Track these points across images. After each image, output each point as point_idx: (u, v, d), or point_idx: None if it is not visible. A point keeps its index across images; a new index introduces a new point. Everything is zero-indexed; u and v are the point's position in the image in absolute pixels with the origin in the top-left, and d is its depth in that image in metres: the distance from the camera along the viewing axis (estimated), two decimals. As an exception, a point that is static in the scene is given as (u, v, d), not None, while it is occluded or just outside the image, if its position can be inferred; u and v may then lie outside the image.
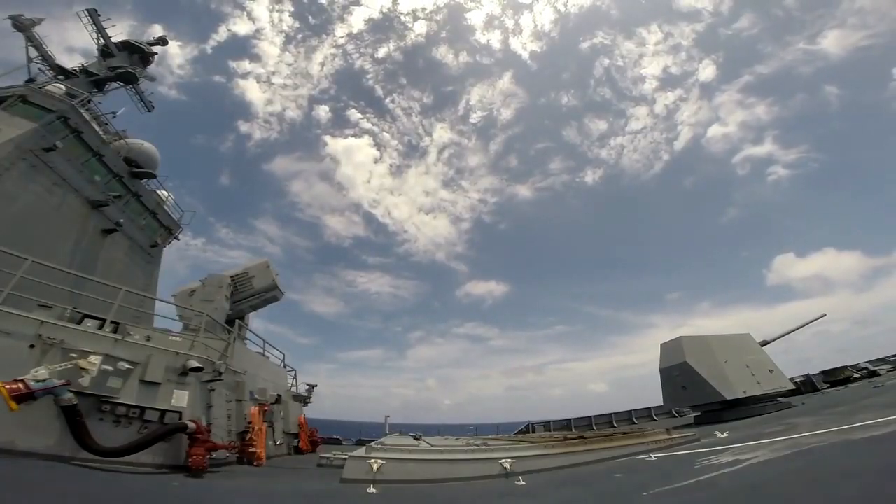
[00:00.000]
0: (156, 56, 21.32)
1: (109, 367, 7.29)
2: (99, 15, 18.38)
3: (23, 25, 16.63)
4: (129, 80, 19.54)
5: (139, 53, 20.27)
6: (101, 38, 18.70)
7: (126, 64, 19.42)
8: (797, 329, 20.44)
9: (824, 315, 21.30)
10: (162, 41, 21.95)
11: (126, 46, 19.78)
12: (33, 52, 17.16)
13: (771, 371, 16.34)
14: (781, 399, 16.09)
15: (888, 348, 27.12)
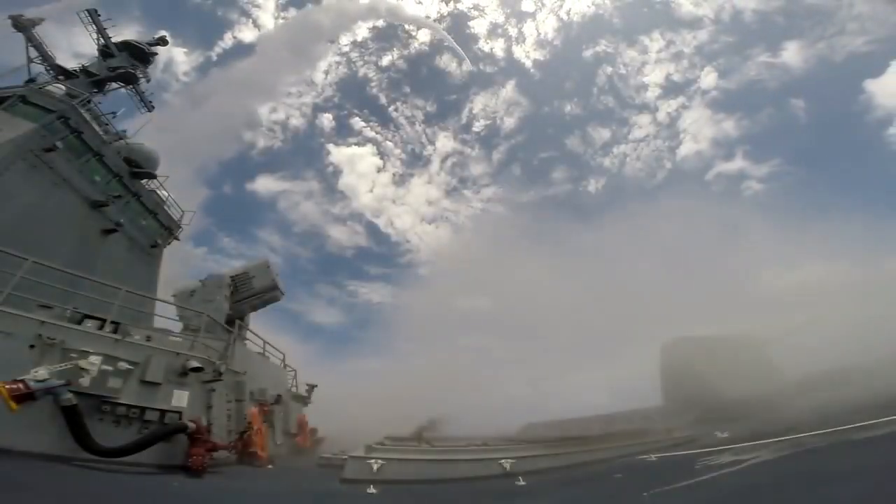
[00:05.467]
0: (156, 56, 21.31)
1: (109, 368, 7.29)
2: (99, 15, 18.38)
3: (23, 25, 16.64)
4: (130, 80, 19.53)
5: (139, 54, 20.26)
6: (101, 39, 18.69)
7: (126, 64, 19.40)
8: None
9: None
10: (162, 41, 21.92)
11: (126, 47, 19.74)
12: (33, 53, 17.16)
13: (770, 371, 16.33)
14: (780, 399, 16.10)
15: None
